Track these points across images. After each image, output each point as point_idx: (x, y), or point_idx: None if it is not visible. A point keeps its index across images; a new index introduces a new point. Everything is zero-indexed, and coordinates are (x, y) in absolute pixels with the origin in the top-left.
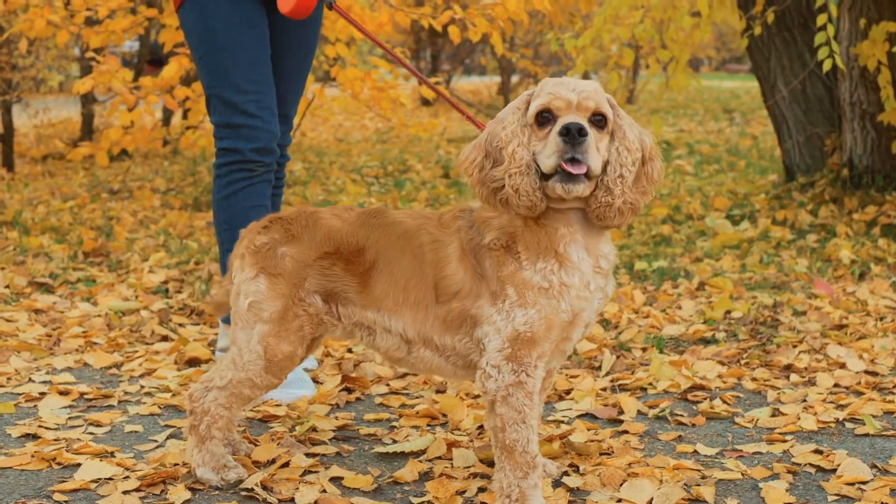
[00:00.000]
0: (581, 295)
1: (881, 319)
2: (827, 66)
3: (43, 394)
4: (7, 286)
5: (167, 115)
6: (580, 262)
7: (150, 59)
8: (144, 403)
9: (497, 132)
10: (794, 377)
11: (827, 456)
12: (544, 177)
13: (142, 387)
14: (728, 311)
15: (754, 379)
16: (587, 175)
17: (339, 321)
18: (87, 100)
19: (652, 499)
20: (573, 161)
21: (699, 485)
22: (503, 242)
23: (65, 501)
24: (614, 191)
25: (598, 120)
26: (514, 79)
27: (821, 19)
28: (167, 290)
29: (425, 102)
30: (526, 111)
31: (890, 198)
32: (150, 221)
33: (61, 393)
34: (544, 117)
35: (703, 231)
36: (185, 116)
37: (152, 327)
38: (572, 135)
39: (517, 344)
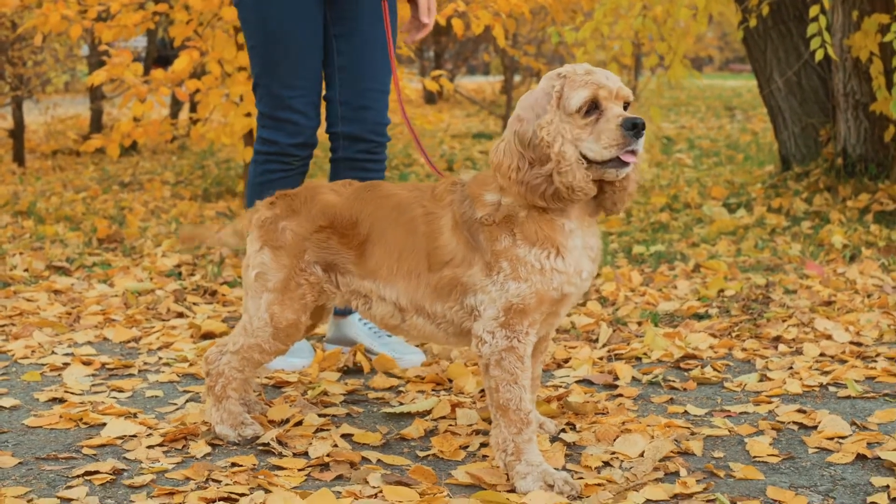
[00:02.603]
0: (572, 282)
1: (869, 296)
2: (819, 55)
3: (66, 364)
4: (26, 269)
5: (174, 109)
6: (577, 253)
7: (157, 58)
8: (163, 372)
9: (525, 132)
10: (782, 347)
11: (809, 415)
12: (589, 163)
13: (160, 358)
14: (721, 290)
15: (744, 349)
16: None
17: (337, 289)
18: (96, 96)
19: (644, 451)
20: (632, 152)
21: (688, 440)
22: (496, 219)
23: (93, 455)
24: (632, 176)
25: (626, 107)
26: (517, 78)
27: (813, 10)
28: (180, 274)
29: (430, 100)
30: (559, 103)
31: (882, 185)
32: (160, 211)
33: (84, 363)
34: (590, 107)
35: (701, 218)
36: (193, 109)
37: (168, 305)
38: (638, 129)
39: (510, 313)
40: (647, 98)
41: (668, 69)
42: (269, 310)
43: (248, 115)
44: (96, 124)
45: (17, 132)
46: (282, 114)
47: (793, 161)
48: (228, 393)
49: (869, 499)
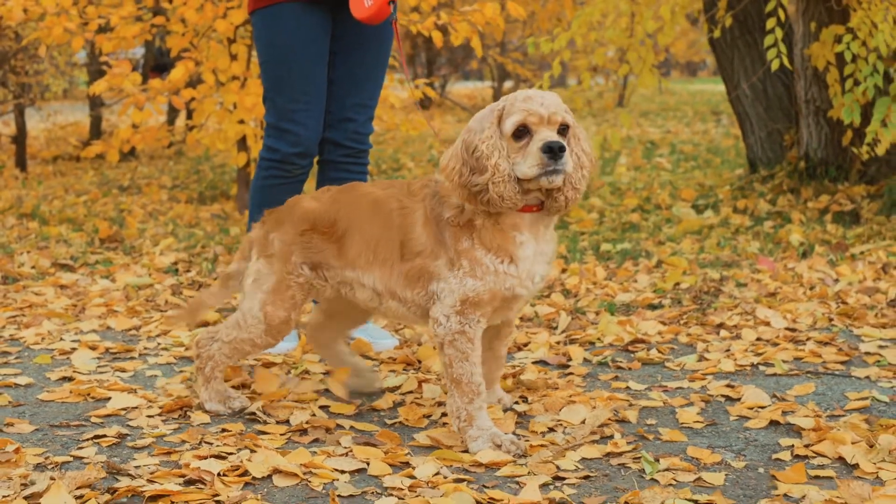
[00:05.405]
0: (524, 285)
1: (811, 289)
2: (775, 65)
3: (74, 349)
4: (33, 266)
5: (171, 117)
6: (528, 263)
7: (154, 65)
8: (162, 356)
9: (472, 142)
10: (723, 333)
11: (736, 389)
12: (520, 180)
13: (159, 343)
14: (677, 283)
15: (689, 334)
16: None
17: (326, 283)
18: (95, 103)
19: (584, 419)
20: (554, 172)
21: (626, 410)
22: (460, 222)
23: (100, 423)
24: (572, 183)
25: (563, 129)
26: (509, 84)
27: (770, 23)
28: (177, 270)
29: (422, 106)
30: (499, 125)
31: (841, 187)
32: (158, 213)
33: (90, 348)
34: (520, 131)
35: (669, 219)
36: (189, 116)
37: (166, 297)
38: (554, 153)
39: (465, 304)
40: (635, 104)
41: (638, 78)
42: (262, 308)
43: (241, 122)
44: (96, 130)
45: (20, 138)
46: (285, 125)
47: (759, 164)
48: (216, 374)
49: (774, 455)
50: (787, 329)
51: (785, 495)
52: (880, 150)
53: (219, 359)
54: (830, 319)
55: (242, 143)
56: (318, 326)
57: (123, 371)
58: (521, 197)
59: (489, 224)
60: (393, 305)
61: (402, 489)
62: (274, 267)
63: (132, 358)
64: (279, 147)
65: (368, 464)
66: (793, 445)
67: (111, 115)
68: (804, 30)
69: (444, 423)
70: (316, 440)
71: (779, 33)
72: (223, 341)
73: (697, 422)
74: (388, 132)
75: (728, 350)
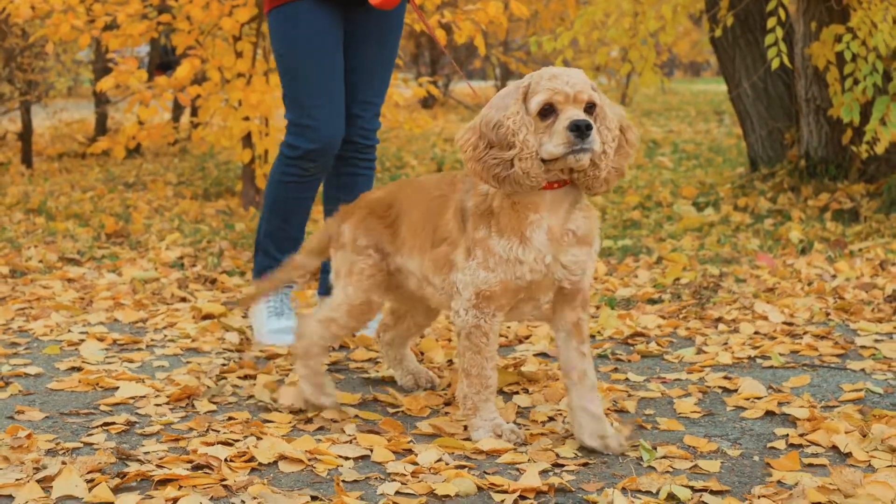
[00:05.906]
0: (535, 269)
1: (809, 284)
2: (775, 64)
3: (82, 340)
4: (40, 261)
5: (176, 114)
6: (540, 243)
7: (159, 63)
8: (168, 347)
9: (492, 118)
10: (721, 327)
11: (733, 381)
12: (544, 160)
13: (165, 335)
14: (677, 279)
15: (688, 328)
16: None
17: (388, 269)
18: (101, 100)
19: None
20: (581, 151)
21: (625, 400)
22: (481, 210)
23: (109, 411)
24: (600, 164)
25: (590, 107)
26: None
27: (770, 22)
28: (183, 264)
29: (425, 105)
30: (524, 102)
31: (841, 185)
32: (164, 209)
33: (98, 339)
34: (546, 110)
35: (671, 216)
36: (194, 114)
37: (172, 290)
38: (581, 131)
39: (479, 298)
40: (638, 103)
41: (640, 77)
42: (344, 290)
43: (246, 118)
44: (101, 128)
45: (26, 135)
46: (304, 120)
47: (760, 163)
48: (311, 354)
49: (769, 444)
50: (784, 323)
51: (779, 482)
52: (879, 149)
53: (311, 338)
54: (827, 314)
55: (247, 140)
56: (384, 327)
57: (131, 362)
58: (544, 176)
59: (507, 206)
60: (430, 291)
61: (405, 475)
62: (347, 253)
63: (139, 349)
64: (299, 144)
65: (372, 451)
66: (787, 434)
67: (116, 113)
68: (805, 29)
69: (447, 413)
70: (321, 428)
71: (779, 32)
72: (317, 321)
73: (694, 412)
74: (391, 130)
75: (726, 343)
